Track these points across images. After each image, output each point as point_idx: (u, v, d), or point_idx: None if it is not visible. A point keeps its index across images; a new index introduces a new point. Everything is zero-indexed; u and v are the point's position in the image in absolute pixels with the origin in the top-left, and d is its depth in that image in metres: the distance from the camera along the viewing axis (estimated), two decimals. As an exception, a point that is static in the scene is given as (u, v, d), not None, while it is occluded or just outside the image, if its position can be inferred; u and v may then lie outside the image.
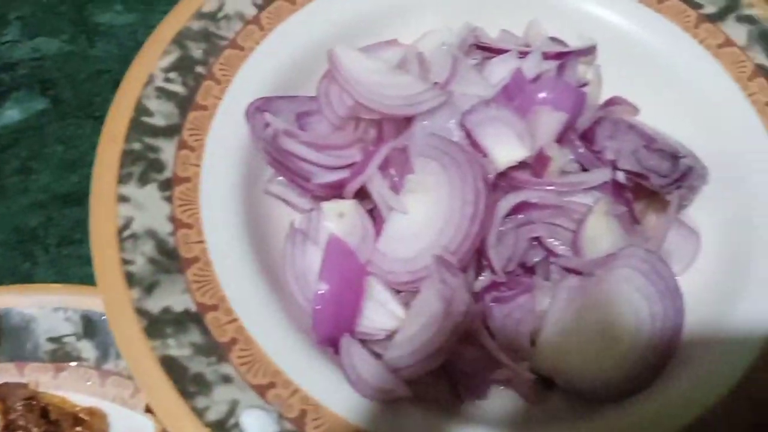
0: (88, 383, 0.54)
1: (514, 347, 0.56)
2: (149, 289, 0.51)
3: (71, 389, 0.54)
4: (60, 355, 0.55)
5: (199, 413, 0.47)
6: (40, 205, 0.66)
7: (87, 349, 0.55)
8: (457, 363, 0.55)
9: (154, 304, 0.51)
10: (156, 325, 0.50)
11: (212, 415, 0.47)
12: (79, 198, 0.66)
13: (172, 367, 0.49)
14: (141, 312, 0.50)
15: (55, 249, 0.64)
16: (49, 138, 0.73)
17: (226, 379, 0.49)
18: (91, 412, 0.54)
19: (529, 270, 0.59)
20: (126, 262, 0.52)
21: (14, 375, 0.54)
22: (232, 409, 0.48)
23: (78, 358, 0.55)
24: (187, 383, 0.48)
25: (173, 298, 0.51)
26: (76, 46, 0.78)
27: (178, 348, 0.49)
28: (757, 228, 0.59)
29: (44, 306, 0.55)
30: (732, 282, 0.58)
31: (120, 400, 0.54)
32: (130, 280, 0.51)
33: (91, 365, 0.55)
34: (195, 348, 0.50)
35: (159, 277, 0.52)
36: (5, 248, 0.64)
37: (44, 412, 0.53)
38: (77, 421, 0.53)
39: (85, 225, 0.65)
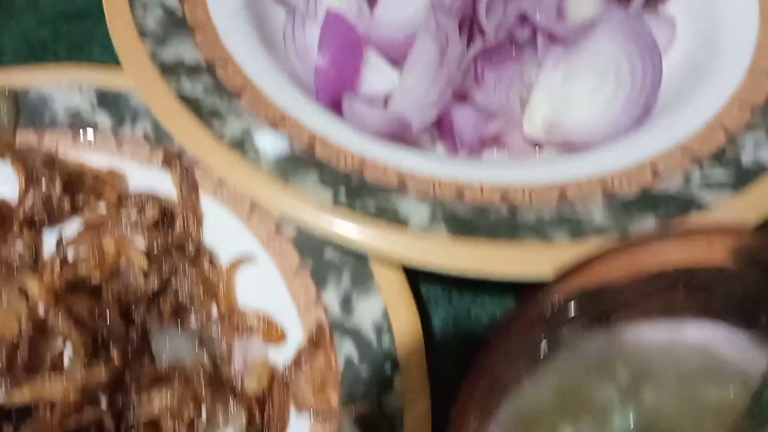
0: (106, 146, 0.57)
1: (506, 110, 0.60)
2: (161, 42, 0.54)
3: (89, 152, 0.57)
4: (77, 123, 0.57)
5: (218, 136, 0.50)
6: (49, 20, 0.69)
7: (103, 118, 0.57)
8: (452, 120, 0.58)
9: (167, 55, 0.54)
10: (170, 71, 0.53)
11: (230, 137, 0.50)
12: (86, 14, 0.68)
13: (188, 102, 0.52)
14: (156, 59, 0.53)
15: (66, 57, 0.67)
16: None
17: (239, 114, 0.52)
18: (110, 173, 0.56)
19: (519, 47, 0.63)
20: (139, 23, 0.55)
21: (34, 143, 0.57)
22: (247, 133, 0.51)
23: (95, 125, 0.57)
24: (204, 114, 0.51)
25: (184, 51, 0.54)
26: None
27: (192, 89, 0.53)
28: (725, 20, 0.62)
29: (60, 83, 0.58)
30: (702, 65, 0.61)
31: (137, 160, 0.56)
32: (143, 34, 0.54)
33: (108, 132, 0.57)
34: (207, 90, 0.53)
35: (170, 35, 0.55)
36: (17, 58, 0.67)
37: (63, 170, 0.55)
38: (97, 178, 0.55)
39: (93, 37, 0.69)
